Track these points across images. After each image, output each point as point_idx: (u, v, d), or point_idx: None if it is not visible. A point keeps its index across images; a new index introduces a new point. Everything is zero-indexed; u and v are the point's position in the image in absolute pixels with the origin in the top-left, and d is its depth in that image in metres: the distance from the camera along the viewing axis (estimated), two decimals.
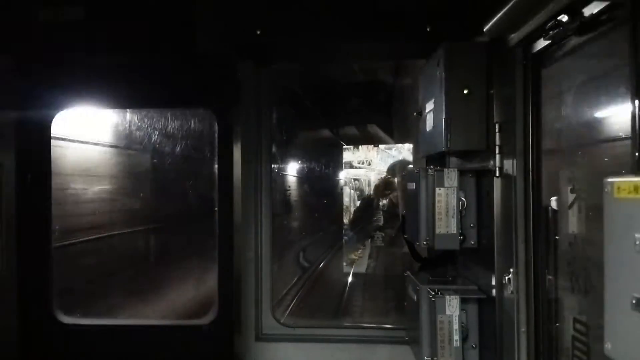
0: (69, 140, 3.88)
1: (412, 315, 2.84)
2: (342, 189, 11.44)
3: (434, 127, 2.72)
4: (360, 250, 11.06)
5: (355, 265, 10.10)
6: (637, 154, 1.38)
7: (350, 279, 8.89)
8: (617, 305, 1.20)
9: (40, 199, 3.11)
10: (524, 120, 2.16)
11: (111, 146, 4.48)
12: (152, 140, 4.08)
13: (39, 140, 3.12)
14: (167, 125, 3.91)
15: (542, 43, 2.03)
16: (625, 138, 1.44)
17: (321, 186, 9.41)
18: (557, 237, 2.03)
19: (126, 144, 4.43)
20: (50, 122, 3.15)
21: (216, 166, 3.18)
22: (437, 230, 2.55)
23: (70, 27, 3.00)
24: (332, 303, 7.29)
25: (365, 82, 5.83)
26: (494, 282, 2.40)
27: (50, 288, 3.12)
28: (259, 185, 3.41)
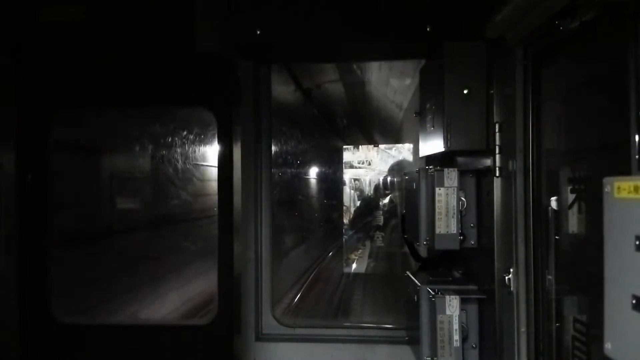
0: None
1: (412, 315, 2.84)
2: (342, 189, 11.46)
3: (434, 127, 2.72)
4: (360, 251, 11.09)
5: (354, 265, 10.12)
6: (637, 154, 1.38)
7: (349, 279, 8.89)
8: (617, 305, 1.20)
9: (41, 200, 3.11)
10: (523, 120, 2.17)
11: None
12: None
13: (39, 141, 3.12)
14: None
15: (542, 43, 2.03)
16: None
17: (321, 186, 9.43)
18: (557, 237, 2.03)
19: None
20: (51, 122, 3.15)
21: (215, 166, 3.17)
22: (437, 230, 2.55)
23: (70, 27, 3.00)
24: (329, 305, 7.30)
25: None
26: (494, 282, 2.40)
27: (50, 288, 3.12)
28: (259, 185, 3.41)
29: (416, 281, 2.77)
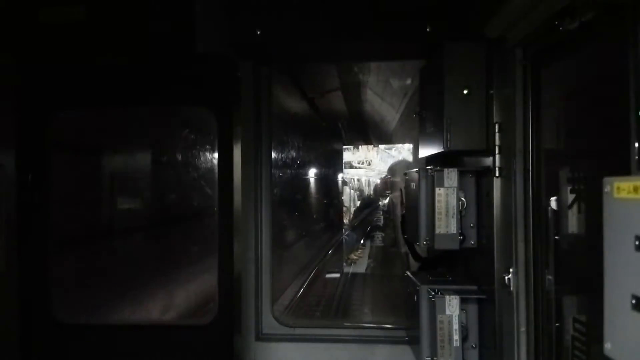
0: None
1: (412, 315, 2.84)
2: (342, 189, 11.47)
3: (434, 127, 2.72)
4: (360, 250, 11.09)
5: (354, 265, 10.13)
6: (637, 154, 1.38)
7: (348, 279, 8.89)
8: (617, 305, 1.20)
9: (41, 199, 3.11)
10: (523, 120, 2.17)
11: None
12: None
13: (39, 141, 3.12)
14: None
15: (541, 43, 2.03)
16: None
17: (321, 186, 9.43)
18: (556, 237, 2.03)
19: None
20: (51, 122, 3.15)
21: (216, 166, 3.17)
22: (437, 230, 2.56)
23: (70, 27, 3.00)
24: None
25: None
26: (493, 282, 2.40)
27: (50, 288, 3.12)
28: (259, 185, 3.41)
29: (416, 281, 2.77)
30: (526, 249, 2.17)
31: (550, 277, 2.09)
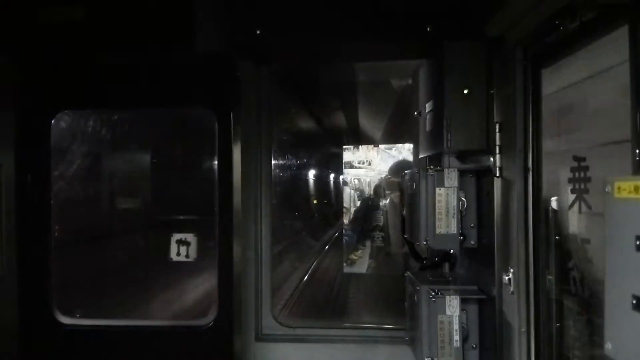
0: None
1: (412, 316, 2.84)
2: (342, 189, 11.45)
3: (434, 127, 2.72)
4: (360, 251, 11.06)
5: (355, 265, 10.11)
6: (637, 153, 1.38)
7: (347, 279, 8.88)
8: (617, 305, 1.20)
9: (40, 199, 3.10)
10: (524, 120, 2.16)
11: None
12: None
13: (39, 141, 3.11)
14: None
15: (542, 43, 2.03)
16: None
17: (322, 186, 9.43)
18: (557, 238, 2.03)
19: None
20: (50, 122, 3.15)
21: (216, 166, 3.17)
22: (437, 230, 2.55)
23: (70, 27, 3.00)
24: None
25: None
26: (494, 282, 2.40)
27: (50, 288, 3.12)
28: (259, 185, 3.41)
29: (416, 281, 2.77)
30: (526, 249, 2.16)
31: (550, 277, 2.08)
